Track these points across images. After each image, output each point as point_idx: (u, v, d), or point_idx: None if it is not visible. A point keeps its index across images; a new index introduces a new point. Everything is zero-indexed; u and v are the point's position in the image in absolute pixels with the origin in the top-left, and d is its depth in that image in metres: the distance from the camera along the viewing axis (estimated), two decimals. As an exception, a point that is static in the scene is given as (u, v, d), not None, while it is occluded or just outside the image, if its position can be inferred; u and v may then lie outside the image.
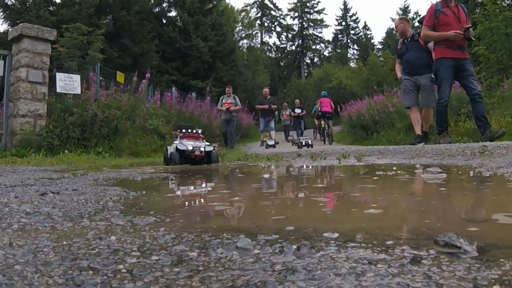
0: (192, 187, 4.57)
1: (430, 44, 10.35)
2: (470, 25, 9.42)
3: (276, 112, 25.79)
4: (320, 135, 29.06)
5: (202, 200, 3.20)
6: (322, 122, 26.68)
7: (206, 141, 10.42)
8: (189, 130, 10.94)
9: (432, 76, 10.19)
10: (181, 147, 9.68)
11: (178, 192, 3.92)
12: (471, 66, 9.57)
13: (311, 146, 18.70)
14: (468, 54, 9.70)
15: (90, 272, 1.20)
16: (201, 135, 10.84)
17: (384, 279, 1.08)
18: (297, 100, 30.62)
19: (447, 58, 9.25)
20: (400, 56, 11.52)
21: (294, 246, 1.43)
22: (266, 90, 24.81)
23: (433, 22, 9.28)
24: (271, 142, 21.99)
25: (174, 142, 10.39)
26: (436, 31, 9.33)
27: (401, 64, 11.43)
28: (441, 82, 9.36)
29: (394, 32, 11.31)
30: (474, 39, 10.30)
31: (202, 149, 9.76)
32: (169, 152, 10.12)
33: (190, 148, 9.59)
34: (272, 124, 23.84)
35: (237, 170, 6.92)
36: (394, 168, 5.45)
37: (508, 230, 1.64)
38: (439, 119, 9.79)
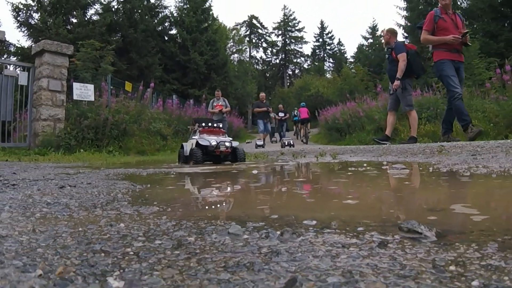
0: (188, 181, 4.49)
1: (400, 55, 10.27)
2: (468, 31, 9.22)
3: (273, 114, 25.31)
4: (298, 137, 29.75)
5: (197, 192, 3.19)
6: (300, 126, 28.72)
7: None
8: (209, 124, 9.31)
9: (395, 83, 10.16)
10: (203, 142, 8.25)
11: (178, 184, 3.86)
12: (463, 71, 9.37)
13: (293, 146, 18.63)
14: (463, 58, 9.49)
15: (102, 254, 1.20)
16: (222, 129, 9.46)
17: (355, 261, 1.08)
18: (280, 105, 30.55)
19: (447, 59, 8.95)
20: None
21: (278, 232, 1.44)
22: (263, 94, 24.17)
23: (433, 27, 9.04)
24: (260, 142, 21.19)
25: (193, 137, 8.88)
26: (435, 35, 9.07)
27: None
28: (448, 78, 8.85)
29: (382, 40, 10.98)
30: (470, 44, 10.12)
31: (227, 144, 8.36)
32: (186, 148, 8.87)
33: (214, 143, 8.16)
34: (269, 126, 23.32)
35: (230, 166, 6.90)
36: (365, 164, 5.47)
37: (462, 218, 1.65)
38: (459, 113, 9.02)
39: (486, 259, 1.06)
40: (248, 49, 71.00)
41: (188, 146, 8.85)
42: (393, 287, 0.89)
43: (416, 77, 11.22)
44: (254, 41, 71.92)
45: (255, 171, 5.31)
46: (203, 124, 9.30)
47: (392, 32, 11.24)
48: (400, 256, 1.11)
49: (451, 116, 9.26)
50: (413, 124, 10.53)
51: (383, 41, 11.63)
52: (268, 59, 72.29)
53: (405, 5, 41.17)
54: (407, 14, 41.04)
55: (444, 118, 9.49)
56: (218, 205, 2.43)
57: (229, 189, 3.38)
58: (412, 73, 10.35)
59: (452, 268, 1.01)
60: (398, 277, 0.96)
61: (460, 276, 0.95)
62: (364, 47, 63.20)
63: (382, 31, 11.81)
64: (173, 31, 42.87)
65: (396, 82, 9.94)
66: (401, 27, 41.69)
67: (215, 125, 9.37)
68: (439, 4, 9.15)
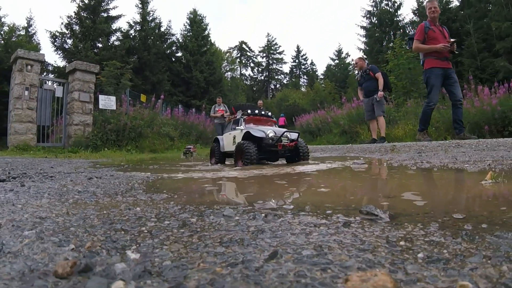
0: (187, 171, 4.32)
1: (378, 74, 10.31)
2: (455, 40, 8.53)
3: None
4: None
5: (198, 182, 3.18)
6: None
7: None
8: (256, 111, 6.36)
9: (379, 93, 10.08)
10: (256, 133, 5.37)
11: (182, 176, 3.84)
12: (455, 74, 8.60)
13: None
14: (451, 64, 8.74)
15: (122, 232, 1.20)
16: (272, 118, 6.54)
17: (325, 237, 1.08)
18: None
19: (437, 68, 8.32)
20: (360, 85, 11.11)
21: (263, 215, 1.43)
22: (260, 102, 21.61)
23: (423, 37, 8.43)
24: None
25: (236, 128, 6.03)
26: (425, 44, 8.44)
27: (361, 90, 11.07)
28: (432, 88, 8.37)
29: (354, 66, 10.69)
30: (457, 52, 9.22)
31: (293, 135, 5.61)
32: (223, 143, 6.48)
33: (272, 134, 5.32)
34: None
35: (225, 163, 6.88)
36: (331, 160, 5.47)
37: (410, 203, 1.66)
38: (423, 119, 8.76)
39: (429, 236, 1.07)
40: (238, 68, 71.07)
41: (228, 140, 6.32)
42: (355, 258, 0.89)
43: (388, 91, 11.26)
44: (243, 61, 71.85)
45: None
46: (249, 112, 6.31)
47: (362, 59, 11.23)
48: (360, 234, 1.12)
49: (458, 115, 8.46)
50: (382, 127, 10.48)
51: (355, 67, 11.42)
52: (254, 76, 72.22)
53: (364, 33, 41.59)
54: (365, 40, 41.44)
55: (453, 119, 8.66)
56: (215, 193, 2.42)
57: (222, 180, 3.35)
58: (385, 87, 10.39)
59: (402, 243, 1.01)
60: (358, 250, 0.96)
61: (408, 250, 0.95)
62: (332, 67, 63.23)
63: (354, 60, 11.48)
64: (179, 54, 42.84)
65: (380, 93, 9.95)
66: (361, 50, 42.07)
67: (263, 112, 6.49)
68: (428, 17, 8.65)
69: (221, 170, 4.59)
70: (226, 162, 6.64)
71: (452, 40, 8.36)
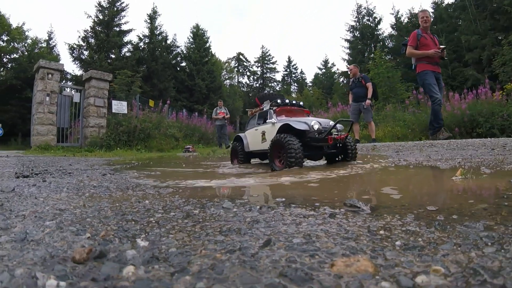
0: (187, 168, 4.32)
1: (368, 84, 10.23)
2: (445, 47, 8.33)
3: None
4: None
5: (201, 177, 3.18)
6: None
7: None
8: (287, 101, 4.94)
9: (367, 101, 9.97)
10: (299, 126, 3.91)
11: (186, 170, 3.82)
12: (442, 81, 8.36)
13: None
14: (440, 70, 8.47)
15: (133, 222, 1.20)
16: (305, 108, 5.09)
17: (313, 227, 1.08)
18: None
19: (429, 71, 8.10)
20: (351, 89, 10.81)
21: (258, 207, 1.44)
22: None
23: (416, 43, 8.19)
24: None
25: (266, 121, 4.68)
26: (418, 50, 8.17)
27: (351, 95, 10.73)
28: (430, 86, 8.01)
29: (349, 72, 9.93)
30: (446, 58, 9.03)
31: (341, 126, 4.34)
32: (247, 141, 5.16)
33: (317, 126, 3.91)
34: None
35: (223, 160, 6.87)
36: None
37: (389, 197, 1.66)
38: (436, 117, 8.18)
39: (406, 226, 1.07)
40: (236, 77, 71.20)
41: (254, 137, 4.94)
42: (340, 246, 0.90)
43: (376, 99, 11.18)
44: (240, 70, 71.77)
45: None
46: (279, 101, 4.88)
47: (357, 67, 11.04)
48: (345, 224, 1.12)
49: (437, 116, 8.13)
50: (373, 131, 10.34)
51: (350, 73, 11.10)
52: (250, 84, 72.08)
53: (348, 45, 41.83)
54: (349, 52, 41.68)
55: (430, 120, 8.35)
56: (215, 188, 2.41)
57: (220, 176, 3.33)
58: (374, 96, 10.33)
59: (381, 232, 1.01)
60: (343, 238, 0.96)
61: (387, 238, 0.96)
62: (319, 75, 63.31)
63: (349, 67, 11.16)
64: (183, 64, 42.92)
65: (368, 101, 9.87)
66: (345, 61, 42.37)
67: (294, 102, 5.07)
68: (420, 26, 8.37)
69: (265, 174, 3.19)
70: (252, 162, 5.49)
71: (442, 46, 8.22)
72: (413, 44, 8.28)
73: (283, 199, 1.63)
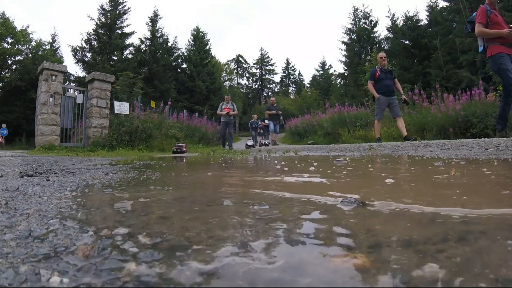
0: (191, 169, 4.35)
1: (396, 80, 9.81)
2: None
3: (281, 117, 19.91)
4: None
5: (199, 176, 3.18)
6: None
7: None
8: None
9: (402, 96, 9.90)
10: None
11: (185, 170, 3.82)
12: None
13: (267, 145, 18.20)
14: None
15: (134, 219, 1.20)
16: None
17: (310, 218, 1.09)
18: (255, 115, 30.38)
19: (505, 53, 6.76)
20: (377, 80, 9.69)
21: (257, 204, 1.44)
22: (273, 99, 19.84)
23: (486, 20, 6.90)
24: (250, 143, 18.08)
25: None
26: (488, 29, 6.95)
27: (374, 86, 9.68)
28: (508, 72, 6.64)
29: (382, 60, 8.61)
30: None
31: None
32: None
33: None
34: (278, 128, 18.88)
35: (222, 159, 6.87)
36: (317, 158, 5.49)
37: (380, 191, 1.67)
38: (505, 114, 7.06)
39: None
40: (236, 78, 71.40)
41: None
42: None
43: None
44: (240, 72, 72.12)
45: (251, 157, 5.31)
46: None
47: (386, 58, 10.15)
48: (340, 214, 1.13)
49: (507, 111, 6.99)
50: (404, 126, 9.63)
51: (379, 63, 10.06)
52: (249, 85, 72.51)
53: (345, 47, 41.95)
54: (346, 54, 41.83)
55: (499, 115, 7.17)
56: (214, 187, 2.42)
57: (220, 175, 3.34)
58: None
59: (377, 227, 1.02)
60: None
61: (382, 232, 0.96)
62: (317, 77, 63.57)
63: (380, 55, 10.07)
64: (184, 66, 43.12)
65: (404, 96, 9.78)
66: (342, 62, 42.56)
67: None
68: (486, 1, 7.13)
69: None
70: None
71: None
72: (484, 21, 7.05)
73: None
